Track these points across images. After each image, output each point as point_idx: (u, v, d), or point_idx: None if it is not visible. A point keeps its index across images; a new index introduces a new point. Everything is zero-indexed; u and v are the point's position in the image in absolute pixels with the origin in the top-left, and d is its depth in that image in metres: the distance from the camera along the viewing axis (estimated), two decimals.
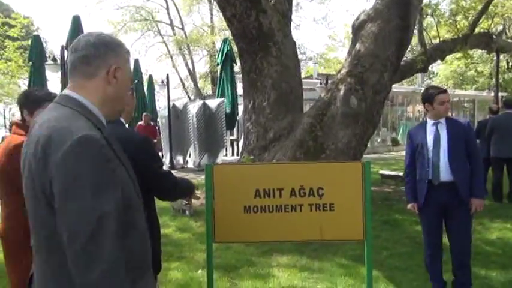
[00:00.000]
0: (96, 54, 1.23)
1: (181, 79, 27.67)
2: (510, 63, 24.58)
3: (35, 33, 18.13)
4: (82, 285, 1.04)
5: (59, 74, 9.10)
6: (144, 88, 15.25)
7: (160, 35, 26.52)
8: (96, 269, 1.04)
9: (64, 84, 8.68)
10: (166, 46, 26.52)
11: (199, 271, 3.84)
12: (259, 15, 6.58)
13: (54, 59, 9.33)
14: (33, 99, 2.28)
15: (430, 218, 3.26)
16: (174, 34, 26.03)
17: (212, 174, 2.43)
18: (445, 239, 3.41)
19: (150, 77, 17.45)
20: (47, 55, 10.84)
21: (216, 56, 22.34)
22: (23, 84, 21.77)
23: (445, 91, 3.24)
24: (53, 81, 14.94)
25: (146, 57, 39.64)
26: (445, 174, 3.08)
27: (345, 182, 2.48)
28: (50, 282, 1.15)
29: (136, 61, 15.14)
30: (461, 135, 3.10)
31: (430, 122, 3.21)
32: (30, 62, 11.13)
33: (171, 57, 26.75)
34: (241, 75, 7.40)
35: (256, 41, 6.76)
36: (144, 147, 1.80)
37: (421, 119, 21.80)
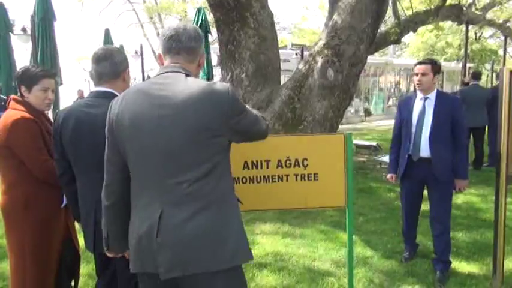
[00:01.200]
0: (197, 46, 1.63)
1: (152, 49, 27.00)
2: (478, 34, 25.24)
3: None
4: None
5: (29, 44, 8.72)
6: None
7: (130, 2, 25.59)
8: None
9: (34, 56, 8.32)
10: (137, 14, 25.69)
11: None
12: None
13: (24, 29, 8.91)
14: (30, 76, 2.29)
15: (409, 191, 3.38)
16: (144, 1, 25.16)
17: None
18: None
19: (121, 47, 16.97)
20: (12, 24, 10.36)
21: None
22: None
23: (420, 62, 3.21)
24: (20, 52, 14.21)
25: (116, 26, 38.22)
26: (424, 151, 3.16)
27: (328, 153, 2.61)
28: None
29: (107, 31, 14.63)
30: (448, 114, 3.09)
31: (419, 96, 3.22)
32: None
33: (142, 26, 25.97)
34: (215, 46, 7.35)
35: (233, 11, 6.68)
36: None
37: (392, 90, 22.32)
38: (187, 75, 1.55)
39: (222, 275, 1.47)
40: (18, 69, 2.40)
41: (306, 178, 2.59)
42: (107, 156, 1.59)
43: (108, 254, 1.74)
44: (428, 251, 3.70)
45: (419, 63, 3.23)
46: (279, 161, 2.55)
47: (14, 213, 2.25)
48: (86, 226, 2.02)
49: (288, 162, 2.57)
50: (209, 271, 1.44)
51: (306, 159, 2.59)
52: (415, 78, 3.20)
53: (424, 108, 3.18)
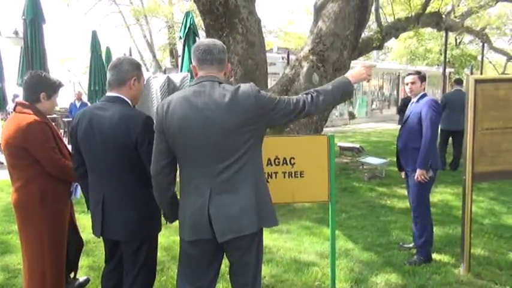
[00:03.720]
0: (225, 58, 2.01)
1: (139, 51, 26.99)
2: (458, 40, 26.01)
3: None
4: None
5: (19, 47, 8.80)
6: (103, 61, 14.87)
7: (116, 4, 25.55)
8: None
9: (27, 59, 8.39)
10: (123, 16, 25.66)
11: None
12: None
13: (16, 32, 8.99)
14: (54, 86, 2.58)
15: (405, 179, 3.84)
16: (131, 3, 25.16)
17: None
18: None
19: (108, 49, 16.96)
20: None
21: (175, 28, 22.02)
22: None
23: (409, 74, 3.72)
24: (9, 55, 14.06)
25: (102, 28, 38.02)
26: (399, 143, 3.72)
27: (313, 153, 2.90)
28: None
29: (94, 33, 14.66)
30: (419, 112, 3.55)
31: (412, 100, 3.74)
32: None
33: (128, 28, 25.94)
34: None
35: (222, 17, 6.93)
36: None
37: (376, 93, 22.86)
38: (220, 82, 1.92)
39: (255, 234, 1.94)
40: (28, 73, 2.60)
41: (293, 175, 2.87)
42: (156, 149, 1.94)
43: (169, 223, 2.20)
44: (405, 243, 4.01)
45: (408, 74, 3.75)
46: (269, 159, 2.82)
47: (31, 208, 2.46)
48: (95, 213, 2.24)
49: (277, 160, 2.85)
50: (250, 232, 1.90)
51: (293, 158, 2.86)
52: (407, 87, 3.71)
53: (411, 109, 3.69)
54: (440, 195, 5.94)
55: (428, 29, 16.42)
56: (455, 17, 13.42)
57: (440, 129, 7.85)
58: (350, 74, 2.24)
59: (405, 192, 5.78)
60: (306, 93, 2.03)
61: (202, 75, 1.95)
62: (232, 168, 1.87)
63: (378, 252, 3.84)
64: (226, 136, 1.83)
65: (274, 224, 2.02)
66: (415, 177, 3.49)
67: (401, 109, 9.28)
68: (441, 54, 21.28)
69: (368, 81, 2.39)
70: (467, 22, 14.91)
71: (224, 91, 1.87)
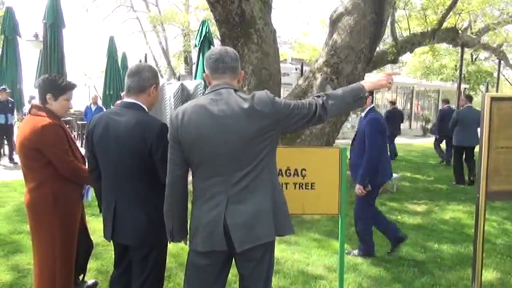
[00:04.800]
0: (237, 65, 2.00)
1: (154, 58, 27.33)
2: (474, 56, 25.80)
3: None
4: None
5: (38, 50, 8.98)
6: (119, 66, 15.09)
7: (134, 10, 25.98)
8: None
9: (45, 62, 8.56)
10: (140, 23, 26.05)
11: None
12: (242, 2, 6.80)
13: (36, 35, 9.18)
14: (60, 87, 2.57)
15: None
16: (148, 10, 25.55)
17: None
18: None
19: (124, 54, 17.22)
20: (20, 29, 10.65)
21: (191, 36, 22.26)
22: None
23: None
24: (28, 57, 14.36)
25: (119, 33, 38.63)
26: (351, 158, 3.96)
27: (325, 165, 2.89)
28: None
29: (112, 38, 14.92)
30: (364, 130, 3.74)
31: (361, 115, 3.92)
32: (3, 35, 10.89)
33: (144, 35, 26.31)
34: None
35: (238, 27, 7.00)
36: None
37: (388, 107, 22.72)
38: (235, 90, 1.93)
39: (270, 244, 1.95)
40: (41, 76, 2.65)
41: (304, 187, 2.86)
42: (171, 160, 1.92)
43: (172, 242, 2.10)
44: (415, 260, 3.96)
45: None
46: (280, 170, 2.82)
47: (44, 209, 2.49)
48: (107, 217, 2.26)
49: (288, 171, 2.84)
50: (267, 241, 1.90)
51: (305, 170, 2.86)
52: None
53: (359, 126, 4.03)
54: (452, 212, 5.86)
55: (444, 45, 16.33)
56: (472, 33, 13.34)
57: (453, 146, 7.83)
58: (368, 80, 2.19)
59: (417, 208, 5.74)
60: (317, 96, 2.02)
61: (217, 83, 1.94)
62: (250, 175, 1.86)
63: (386, 268, 3.78)
64: (245, 143, 1.83)
65: (290, 231, 2.00)
66: (355, 190, 3.76)
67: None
68: (456, 69, 21.12)
69: (389, 89, 2.38)
70: (484, 39, 14.79)
71: (241, 98, 1.87)
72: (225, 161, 1.84)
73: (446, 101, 10.29)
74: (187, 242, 2.01)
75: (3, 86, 9.53)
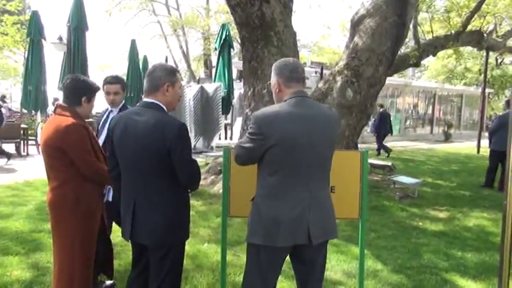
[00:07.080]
0: (305, 76, 2.17)
1: (174, 61, 27.63)
2: (499, 60, 25.15)
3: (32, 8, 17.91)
4: None
5: (62, 53, 9.17)
6: (140, 69, 15.31)
7: (155, 14, 26.34)
8: None
9: (69, 64, 8.73)
10: (161, 27, 26.40)
11: (205, 244, 4.19)
12: (263, 5, 6.80)
13: (60, 38, 9.39)
14: (93, 89, 2.66)
15: None
16: (170, 14, 25.88)
17: (229, 156, 2.75)
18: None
19: (145, 57, 17.47)
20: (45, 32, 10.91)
21: (211, 39, 22.43)
22: (17, 60, 21.56)
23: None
24: (52, 60, 14.68)
25: (140, 36, 39.25)
26: None
27: (345, 168, 2.82)
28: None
29: (133, 42, 15.15)
30: None
31: None
32: (28, 38, 11.16)
33: (165, 38, 26.64)
34: (236, 60, 7.64)
35: (258, 30, 6.99)
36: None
37: (410, 111, 22.37)
38: (310, 98, 2.17)
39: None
40: (68, 76, 2.68)
41: None
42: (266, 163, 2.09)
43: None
44: (437, 268, 3.84)
45: None
46: None
47: (65, 208, 2.51)
48: (125, 217, 2.25)
49: None
50: (334, 237, 2.24)
51: None
52: None
53: None
54: (476, 219, 5.68)
55: (468, 48, 15.98)
56: (498, 36, 13.00)
57: (493, 150, 7.71)
58: None
59: (439, 214, 5.60)
60: None
61: (296, 91, 2.11)
62: (325, 175, 2.13)
63: (408, 275, 3.68)
64: (327, 148, 2.08)
65: (335, 235, 2.26)
66: None
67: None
68: (480, 74, 20.60)
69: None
70: (510, 42, 14.39)
71: (320, 108, 2.14)
72: (311, 163, 2.04)
73: (381, 106, 12.21)
74: (250, 240, 2.14)
75: None
